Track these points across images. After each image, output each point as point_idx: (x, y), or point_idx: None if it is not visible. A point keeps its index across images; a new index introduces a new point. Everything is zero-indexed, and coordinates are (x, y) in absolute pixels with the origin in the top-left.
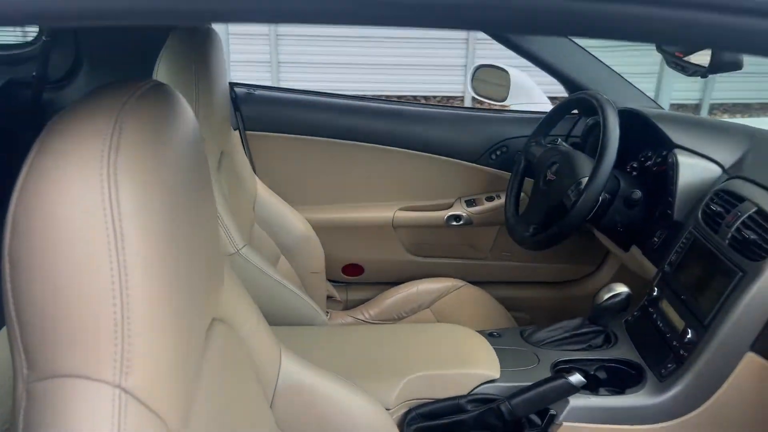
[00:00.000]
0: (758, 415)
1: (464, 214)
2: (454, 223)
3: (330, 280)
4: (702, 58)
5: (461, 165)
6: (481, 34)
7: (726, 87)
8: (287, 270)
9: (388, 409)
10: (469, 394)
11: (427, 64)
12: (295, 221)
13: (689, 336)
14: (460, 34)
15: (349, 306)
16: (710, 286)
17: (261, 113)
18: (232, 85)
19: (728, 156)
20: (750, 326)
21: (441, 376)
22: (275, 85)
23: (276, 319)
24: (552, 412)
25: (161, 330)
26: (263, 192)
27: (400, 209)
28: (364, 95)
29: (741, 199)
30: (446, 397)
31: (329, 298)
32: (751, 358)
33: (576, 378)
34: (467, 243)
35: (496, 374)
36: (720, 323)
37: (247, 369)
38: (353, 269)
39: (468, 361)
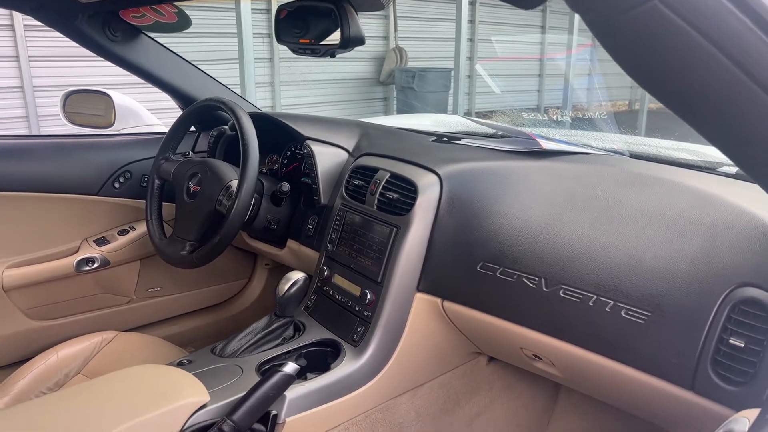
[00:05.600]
0: (433, 344)
1: (97, 256)
2: (87, 267)
3: None
4: (332, 37)
5: (80, 200)
6: (33, 51)
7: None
8: None
9: None
10: (183, 429)
11: None
12: None
13: (369, 297)
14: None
15: None
16: (373, 248)
17: None
18: None
19: (349, 141)
20: (412, 270)
21: (145, 422)
22: None
23: None
24: (273, 412)
25: None
26: None
27: (10, 266)
28: None
29: (375, 170)
30: None
31: None
32: (419, 298)
33: (290, 367)
34: (107, 289)
35: (206, 398)
36: (390, 276)
37: None
38: None
39: (170, 395)
